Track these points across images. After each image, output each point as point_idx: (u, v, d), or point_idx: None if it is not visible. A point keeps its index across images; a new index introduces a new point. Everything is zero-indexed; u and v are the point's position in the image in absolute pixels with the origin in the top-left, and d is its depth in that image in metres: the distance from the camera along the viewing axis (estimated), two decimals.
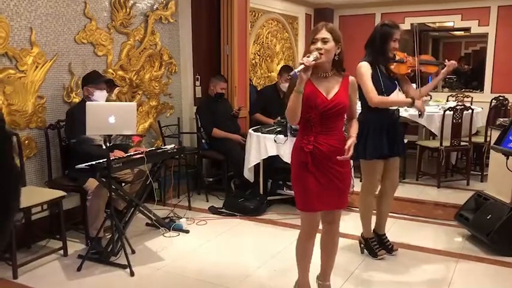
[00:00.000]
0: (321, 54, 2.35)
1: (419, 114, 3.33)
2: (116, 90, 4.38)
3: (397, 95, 3.21)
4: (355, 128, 2.56)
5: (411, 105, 3.19)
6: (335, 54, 2.42)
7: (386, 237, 3.54)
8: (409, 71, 3.26)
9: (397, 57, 3.24)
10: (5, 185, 1.12)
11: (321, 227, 2.69)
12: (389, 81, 3.21)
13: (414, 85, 3.42)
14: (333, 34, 2.39)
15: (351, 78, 2.52)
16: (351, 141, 2.41)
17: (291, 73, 2.30)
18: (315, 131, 2.44)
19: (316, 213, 2.56)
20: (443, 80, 8.31)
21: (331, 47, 2.38)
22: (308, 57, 2.30)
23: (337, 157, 2.37)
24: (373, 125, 3.22)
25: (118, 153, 3.47)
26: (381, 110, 3.19)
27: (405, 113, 5.45)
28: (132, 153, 3.58)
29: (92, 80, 3.68)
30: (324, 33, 2.38)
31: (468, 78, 9.21)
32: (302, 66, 2.24)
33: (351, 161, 2.79)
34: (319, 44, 2.36)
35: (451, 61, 3.25)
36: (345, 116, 2.59)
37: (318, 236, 2.71)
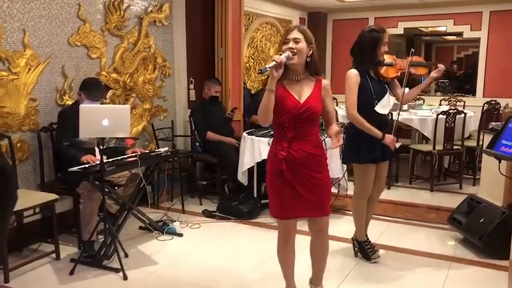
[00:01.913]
0: (293, 54, 2.34)
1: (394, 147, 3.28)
2: (110, 93, 4.37)
3: (388, 99, 3.20)
4: (335, 126, 2.50)
5: (381, 140, 3.12)
6: (307, 56, 2.41)
7: (368, 238, 3.54)
8: (399, 74, 3.25)
9: (386, 61, 3.23)
10: None
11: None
12: (379, 86, 3.21)
13: (407, 89, 3.43)
14: (304, 35, 2.39)
15: (324, 81, 2.49)
16: (337, 129, 2.41)
17: (261, 68, 2.29)
18: (289, 136, 2.41)
19: (292, 221, 2.55)
20: (435, 83, 8.38)
21: (302, 47, 2.37)
22: (280, 55, 2.31)
23: (331, 146, 2.35)
24: (358, 129, 3.20)
25: (88, 158, 3.41)
26: (374, 115, 3.18)
27: (398, 117, 5.49)
28: (125, 156, 3.57)
29: (88, 89, 3.64)
30: (295, 34, 2.39)
31: (461, 82, 9.28)
32: (273, 63, 2.25)
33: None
34: (291, 44, 2.36)
35: (440, 65, 3.24)
36: (320, 122, 2.56)
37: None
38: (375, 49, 3.13)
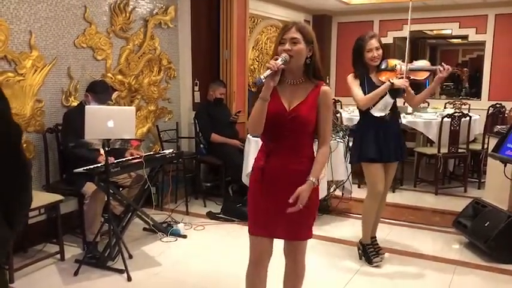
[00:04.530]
0: (290, 56, 2.03)
1: (403, 90, 3.30)
2: (115, 95, 4.38)
3: (384, 103, 3.23)
4: (318, 163, 2.12)
5: (392, 87, 3.17)
6: (306, 58, 2.09)
7: (376, 240, 3.56)
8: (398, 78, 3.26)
9: (389, 66, 3.27)
10: (18, 178, 1.16)
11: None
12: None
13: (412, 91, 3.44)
14: (304, 34, 2.07)
15: (324, 88, 2.13)
16: (301, 189, 2.02)
17: (255, 79, 1.98)
18: (271, 146, 2.14)
19: (265, 239, 2.23)
20: (440, 86, 8.36)
21: (301, 49, 2.05)
22: (276, 60, 1.99)
23: (288, 209, 2.01)
24: (361, 130, 3.35)
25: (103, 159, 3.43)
26: (368, 115, 3.26)
27: (403, 119, 5.48)
28: (130, 158, 3.58)
29: (96, 91, 3.65)
30: (293, 33, 2.06)
31: (465, 86, 9.25)
32: (269, 71, 1.95)
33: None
34: (287, 45, 2.04)
35: (445, 66, 3.23)
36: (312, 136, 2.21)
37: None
38: (360, 57, 3.25)
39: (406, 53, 3.34)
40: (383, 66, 3.25)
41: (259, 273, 2.31)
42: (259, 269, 2.30)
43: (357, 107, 3.37)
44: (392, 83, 3.15)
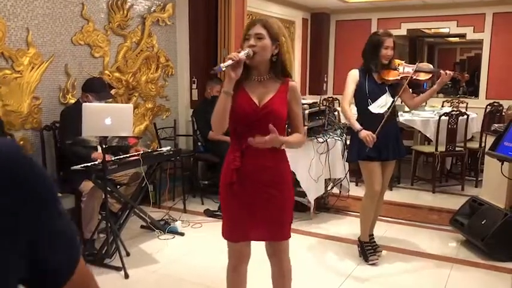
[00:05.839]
0: (254, 52, 2.00)
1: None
2: (112, 92, 4.37)
3: (384, 100, 3.25)
4: (293, 137, 2.14)
5: (357, 133, 3.19)
6: (272, 55, 2.07)
7: (373, 237, 3.57)
8: (399, 77, 3.28)
9: (393, 65, 3.29)
10: None
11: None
12: (378, 87, 3.26)
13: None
14: (269, 30, 2.05)
15: (291, 83, 2.13)
16: (274, 136, 1.94)
17: (215, 67, 1.93)
18: (244, 145, 2.05)
19: (243, 243, 2.21)
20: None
21: (266, 45, 2.03)
22: (238, 52, 1.97)
23: (249, 138, 1.96)
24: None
25: (99, 155, 3.41)
26: (366, 113, 3.27)
27: (400, 118, 5.49)
28: (127, 155, 3.58)
29: (95, 89, 3.62)
30: (258, 29, 2.05)
31: (463, 85, 9.26)
32: (230, 61, 1.91)
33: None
34: (252, 41, 2.02)
35: (448, 72, 3.24)
36: (286, 129, 2.26)
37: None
38: (375, 51, 3.24)
39: (425, 54, 3.36)
40: (390, 65, 3.29)
41: (239, 274, 2.31)
42: (237, 272, 2.30)
43: (354, 104, 3.39)
44: (358, 131, 3.14)
